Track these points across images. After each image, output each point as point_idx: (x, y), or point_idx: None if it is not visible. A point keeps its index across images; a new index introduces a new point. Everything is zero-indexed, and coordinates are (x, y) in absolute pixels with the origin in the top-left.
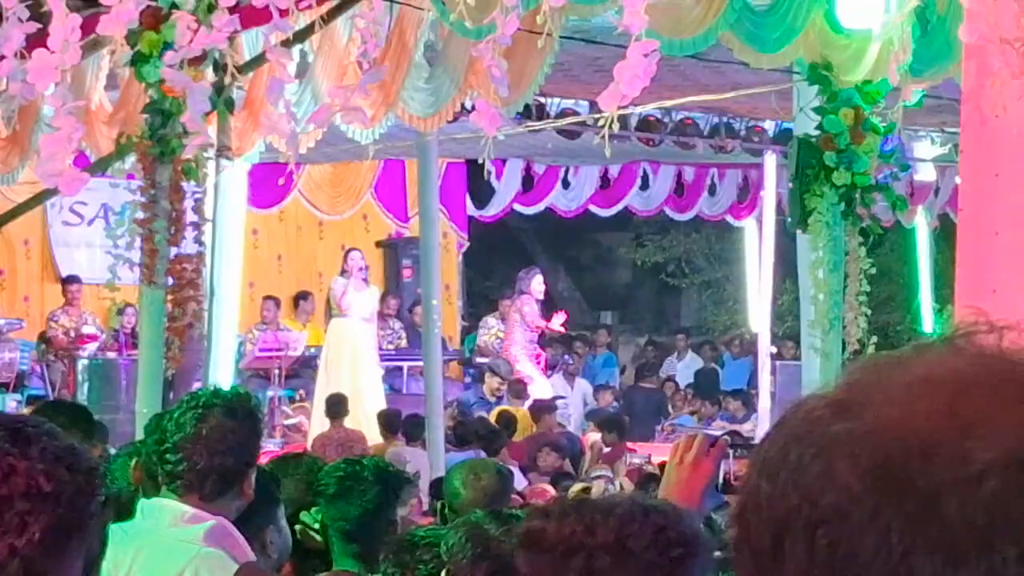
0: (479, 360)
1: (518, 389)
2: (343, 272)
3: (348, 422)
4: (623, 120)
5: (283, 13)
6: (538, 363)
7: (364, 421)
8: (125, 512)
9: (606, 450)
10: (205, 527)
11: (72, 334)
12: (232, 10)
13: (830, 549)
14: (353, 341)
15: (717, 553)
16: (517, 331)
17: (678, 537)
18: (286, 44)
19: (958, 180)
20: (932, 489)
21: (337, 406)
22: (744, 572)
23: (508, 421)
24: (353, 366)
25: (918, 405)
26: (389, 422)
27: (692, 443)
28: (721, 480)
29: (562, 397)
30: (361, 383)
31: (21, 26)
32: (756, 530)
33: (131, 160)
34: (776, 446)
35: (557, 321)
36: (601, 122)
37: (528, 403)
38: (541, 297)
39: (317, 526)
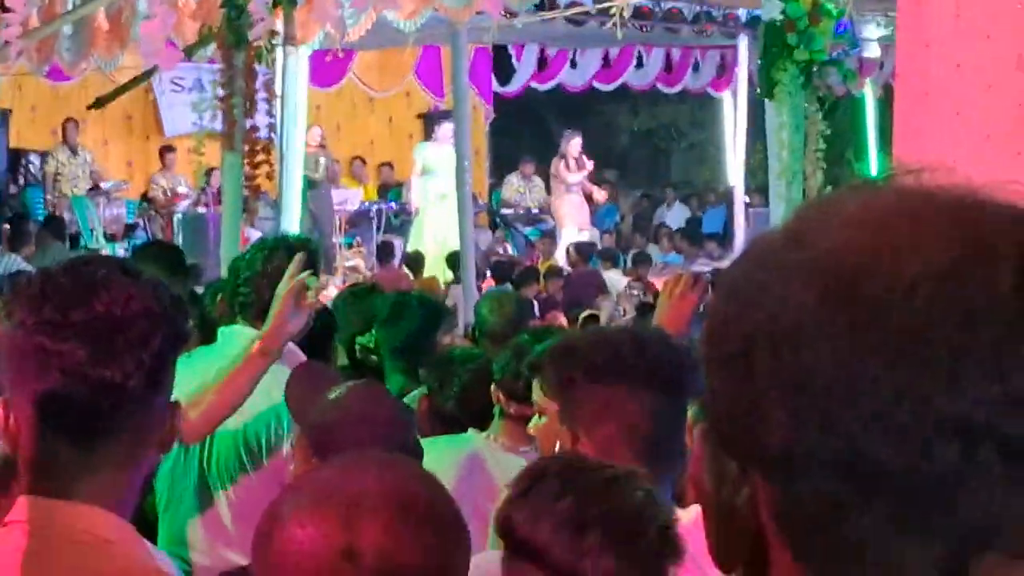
0: (503, 211)
1: (548, 241)
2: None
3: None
4: (622, 9)
5: None
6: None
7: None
8: (212, 337)
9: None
10: None
11: (168, 193)
12: None
13: (792, 356)
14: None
15: None
16: (559, 189)
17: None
18: None
19: None
20: (872, 301)
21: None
22: (715, 383)
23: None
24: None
25: (856, 233)
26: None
27: (680, 280)
28: (703, 310)
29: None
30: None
31: None
32: (725, 347)
33: (212, 46)
34: (739, 274)
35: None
36: (612, 11)
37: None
38: (576, 155)
39: (372, 346)
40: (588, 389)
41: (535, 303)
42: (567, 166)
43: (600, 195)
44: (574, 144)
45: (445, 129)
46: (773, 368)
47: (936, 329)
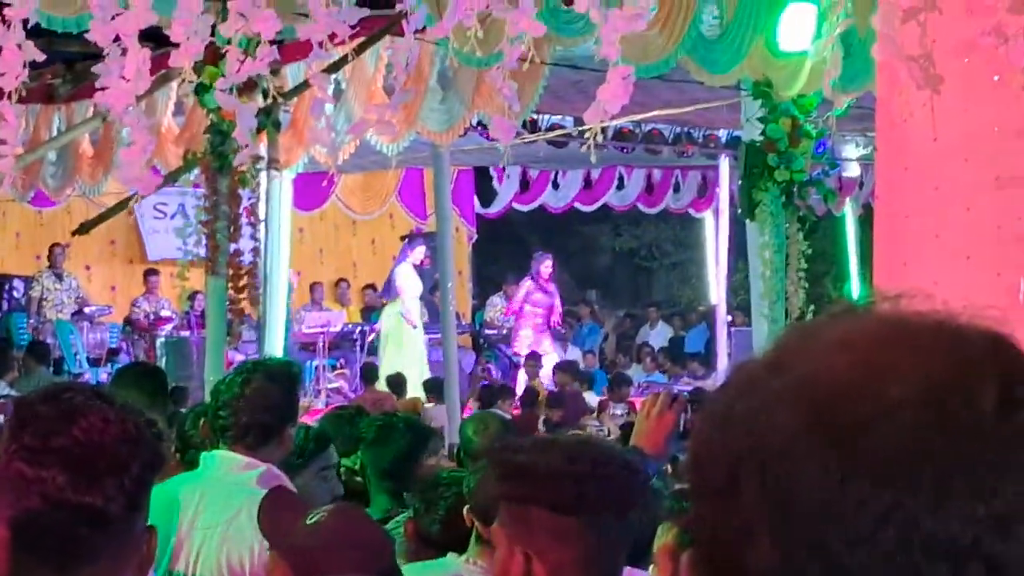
0: (486, 332)
1: (534, 364)
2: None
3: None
4: (603, 131)
5: (320, 45)
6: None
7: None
8: (194, 461)
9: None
10: (257, 472)
11: (151, 317)
12: (274, 43)
13: (778, 483)
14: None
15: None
16: (527, 310)
17: (638, 466)
18: (325, 72)
19: None
20: (857, 424)
21: (392, 380)
22: (701, 511)
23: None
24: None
25: (838, 359)
26: (398, 385)
27: (657, 399)
28: (682, 429)
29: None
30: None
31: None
32: (711, 474)
33: (196, 172)
34: (724, 401)
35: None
36: (587, 134)
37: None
38: (547, 275)
39: (357, 468)
40: (546, 518)
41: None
42: (538, 287)
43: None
44: (545, 266)
45: (417, 252)
46: (760, 492)
47: (921, 450)
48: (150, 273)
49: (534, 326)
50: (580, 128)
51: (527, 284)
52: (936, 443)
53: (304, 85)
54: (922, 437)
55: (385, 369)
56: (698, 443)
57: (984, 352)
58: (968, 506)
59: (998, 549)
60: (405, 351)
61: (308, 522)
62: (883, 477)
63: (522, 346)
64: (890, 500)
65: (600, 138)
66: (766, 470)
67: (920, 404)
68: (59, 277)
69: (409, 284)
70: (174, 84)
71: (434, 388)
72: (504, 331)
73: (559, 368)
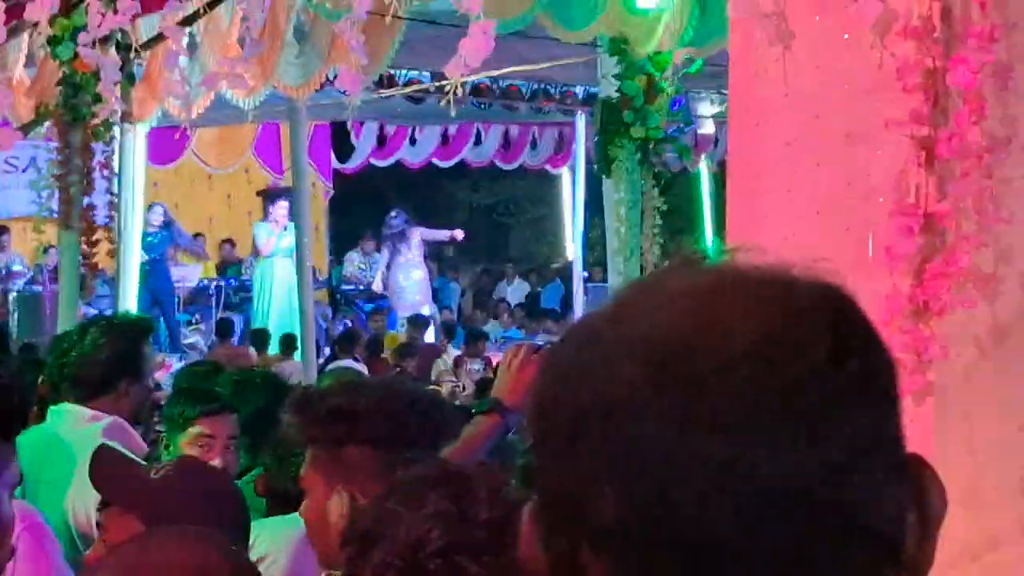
0: (344, 287)
1: (380, 316)
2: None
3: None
4: (461, 86)
5: None
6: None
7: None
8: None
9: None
10: (103, 424)
11: (3, 271)
12: None
13: (619, 434)
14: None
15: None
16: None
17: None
18: (180, 25)
19: None
20: (696, 376)
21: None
22: (543, 462)
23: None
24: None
25: (678, 311)
26: (260, 340)
27: (519, 351)
28: None
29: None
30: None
31: None
32: (553, 426)
33: (47, 125)
34: (565, 354)
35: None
36: (447, 88)
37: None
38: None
39: None
40: (368, 456)
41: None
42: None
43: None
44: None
45: (280, 208)
46: (602, 445)
47: (756, 401)
48: (1, 230)
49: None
50: (438, 84)
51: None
52: (771, 393)
53: (159, 38)
54: (758, 388)
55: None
56: (540, 394)
57: (817, 302)
58: (803, 454)
59: (833, 496)
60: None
61: (154, 476)
62: (722, 428)
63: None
64: (729, 451)
65: (459, 92)
66: (608, 422)
67: (755, 356)
68: None
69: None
70: (25, 35)
71: (289, 343)
72: (361, 287)
73: (409, 321)
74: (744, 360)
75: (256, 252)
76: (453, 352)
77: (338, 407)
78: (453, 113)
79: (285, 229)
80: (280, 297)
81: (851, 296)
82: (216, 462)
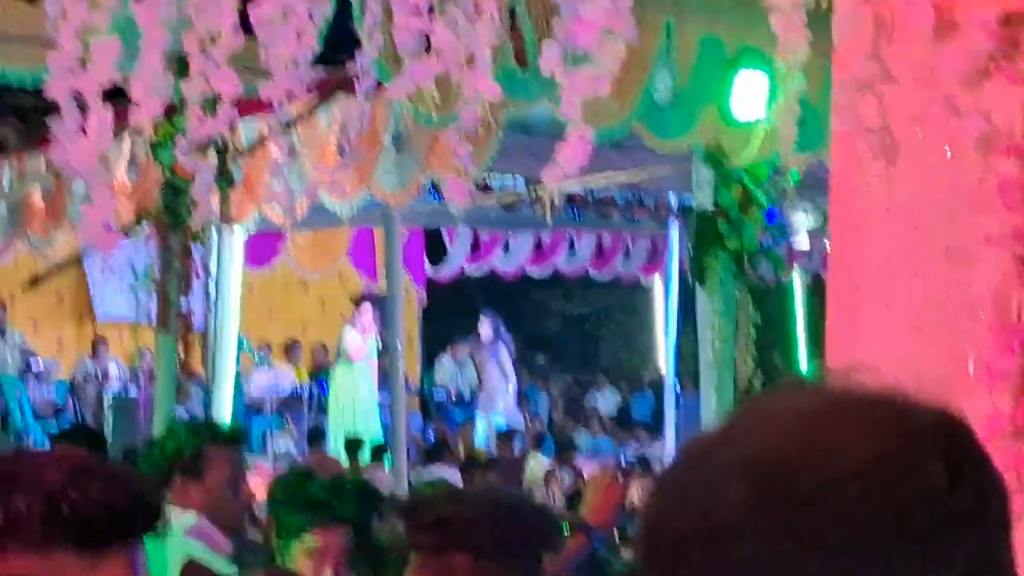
0: (435, 394)
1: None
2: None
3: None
4: (555, 195)
5: (279, 104)
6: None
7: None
8: None
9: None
10: (186, 523)
11: (99, 375)
12: (233, 103)
13: (725, 556)
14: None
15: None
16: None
17: (541, 523)
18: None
19: (827, 245)
20: (802, 498)
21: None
22: None
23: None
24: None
25: (785, 434)
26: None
27: (606, 474)
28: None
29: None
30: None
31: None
32: (659, 545)
33: (147, 227)
34: (674, 474)
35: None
36: (542, 196)
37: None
38: (488, 338)
39: None
40: (469, 565)
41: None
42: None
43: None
44: (485, 327)
45: (366, 313)
46: (706, 563)
47: (867, 524)
48: (98, 333)
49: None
50: (533, 192)
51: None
52: (882, 517)
53: (259, 141)
54: (868, 510)
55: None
56: (649, 513)
57: (931, 428)
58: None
59: None
60: (356, 413)
61: None
62: (829, 551)
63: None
64: (838, 571)
65: (552, 199)
66: (710, 545)
67: (867, 477)
68: (1, 332)
69: (354, 347)
70: (127, 138)
71: (378, 451)
72: (452, 394)
73: (499, 435)
74: (854, 480)
75: (342, 356)
76: (543, 461)
77: (444, 515)
78: (549, 221)
79: (374, 335)
80: (362, 402)
81: (964, 420)
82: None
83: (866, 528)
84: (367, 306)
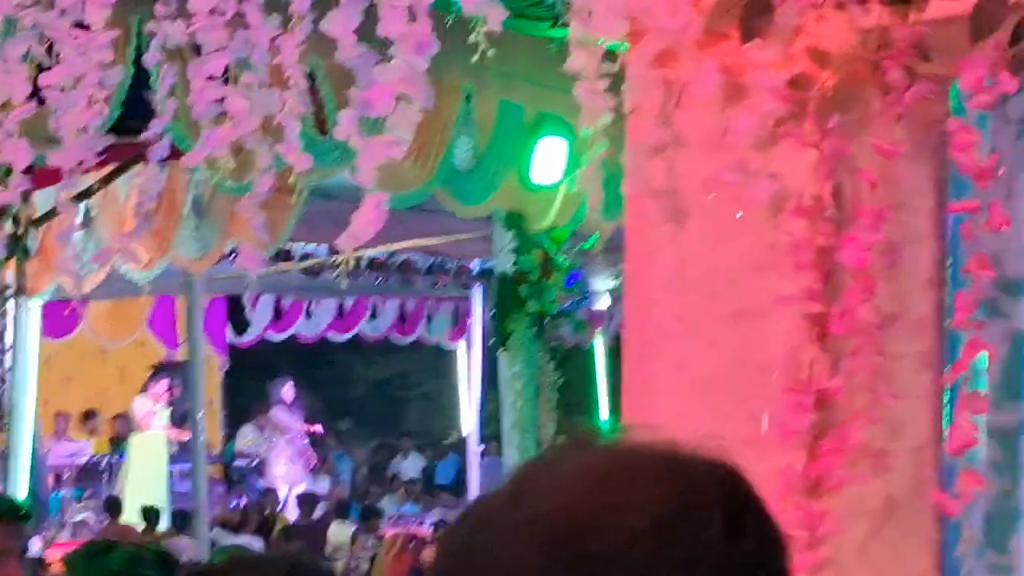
0: (237, 463)
1: (272, 498)
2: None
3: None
4: (356, 260)
5: (69, 174)
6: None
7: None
8: None
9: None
10: None
11: None
12: (26, 172)
13: None
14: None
15: None
16: (275, 438)
17: None
18: (73, 200)
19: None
20: (594, 556)
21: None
22: None
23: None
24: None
25: (572, 492)
26: (152, 517)
27: (396, 540)
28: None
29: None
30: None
31: None
32: None
33: None
34: (463, 534)
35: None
36: (339, 261)
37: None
38: (290, 400)
39: None
40: None
41: None
42: (286, 413)
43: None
44: (287, 390)
45: (162, 384)
46: None
47: None
48: None
49: (284, 453)
50: (334, 258)
51: (282, 412)
52: (667, 572)
53: (52, 213)
54: (656, 568)
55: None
56: (435, 574)
57: (709, 482)
58: None
59: None
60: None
61: None
62: None
63: (273, 476)
64: None
65: (353, 265)
66: None
67: (651, 534)
68: None
69: (144, 416)
70: None
71: (184, 520)
72: (255, 461)
73: (299, 500)
74: (638, 540)
75: (133, 426)
76: (348, 527)
77: None
78: (345, 286)
79: (168, 404)
80: (156, 470)
81: (743, 474)
82: None
83: None
84: (161, 377)
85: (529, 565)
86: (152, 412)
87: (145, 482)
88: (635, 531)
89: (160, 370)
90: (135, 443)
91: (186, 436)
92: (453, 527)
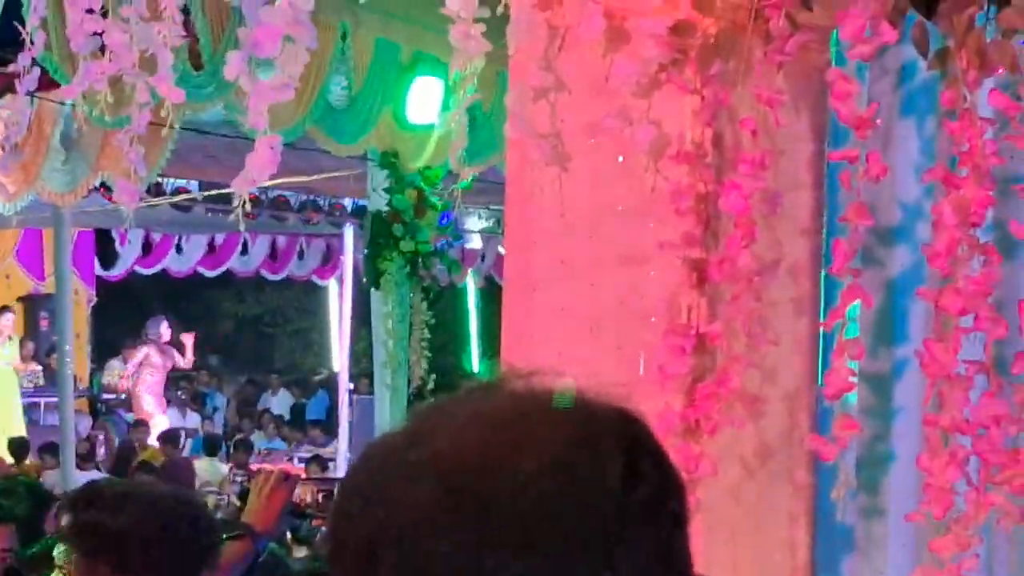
0: (105, 396)
1: (143, 430)
2: None
3: None
4: (227, 197)
5: None
6: (161, 404)
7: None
8: None
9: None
10: None
11: None
12: None
13: (415, 556)
14: None
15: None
16: (145, 374)
17: (199, 529)
18: None
19: (501, 249)
20: (490, 496)
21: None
22: None
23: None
24: None
25: (473, 434)
26: (20, 449)
27: (270, 477)
28: (293, 505)
29: (181, 427)
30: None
31: None
32: (350, 546)
33: None
34: (361, 474)
35: (185, 359)
36: (234, 202)
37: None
38: (167, 339)
39: None
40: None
41: None
42: (160, 351)
43: (187, 360)
44: (164, 328)
45: (6, 319)
46: (399, 562)
47: (550, 522)
48: None
49: (154, 391)
50: (206, 193)
51: (145, 348)
52: (564, 515)
53: None
54: (551, 510)
55: None
56: (336, 515)
57: (610, 426)
58: (592, 573)
59: None
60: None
61: None
62: (515, 548)
63: (142, 411)
64: (521, 568)
65: (248, 207)
66: (403, 543)
67: (549, 476)
68: None
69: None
70: None
71: (49, 452)
72: (123, 395)
73: (161, 439)
74: (539, 480)
75: None
76: (218, 463)
77: (90, 522)
78: (242, 228)
79: (10, 339)
80: (5, 405)
81: (642, 419)
82: None
83: (547, 527)
84: (6, 311)
85: (425, 505)
86: None
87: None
88: (531, 473)
89: (31, 301)
90: None
91: (34, 368)
92: (352, 467)
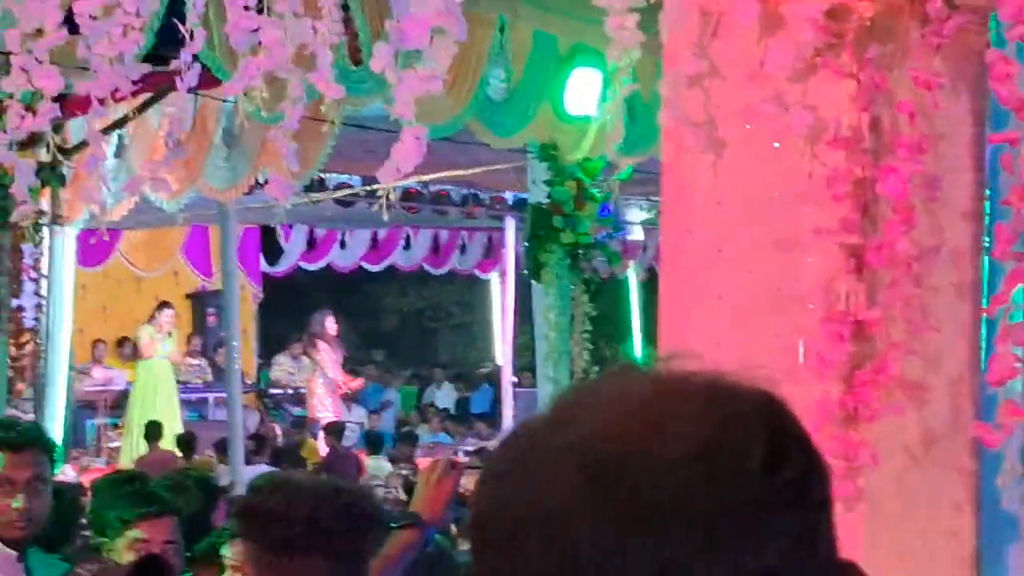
0: (272, 391)
1: (312, 425)
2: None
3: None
4: (391, 191)
5: (101, 103)
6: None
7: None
8: None
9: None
10: None
11: None
12: (56, 100)
13: (559, 539)
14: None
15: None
16: (320, 371)
17: (361, 513)
18: (107, 130)
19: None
20: (633, 480)
21: (156, 431)
22: (484, 567)
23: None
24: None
25: (614, 417)
26: (188, 443)
27: (436, 466)
28: (461, 494)
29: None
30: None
31: None
32: (493, 529)
33: None
34: (504, 459)
35: (355, 384)
36: (379, 193)
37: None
38: (334, 333)
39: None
40: (261, 554)
41: None
42: (330, 346)
43: (355, 384)
44: (330, 323)
45: (165, 314)
46: (542, 547)
47: (692, 505)
48: None
49: (328, 387)
50: (368, 188)
51: (323, 345)
52: (706, 499)
53: (85, 143)
54: (693, 493)
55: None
56: (480, 499)
57: (752, 409)
58: (737, 559)
59: None
60: (159, 408)
61: None
62: (657, 531)
63: (315, 408)
64: (665, 553)
65: (391, 197)
66: (547, 526)
67: (692, 461)
68: None
69: (146, 345)
70: None
71: (188, 444)
72: (289, 391)
73: (326, 430)
74: (681, 464)
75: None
76: (384, 457)
77: (246, 504)
78: (386, 218)
79: (169, 335)
80: (165, 398)
81: (785, 403)
82: None
83: (689, 510)
84: (167, 307)
85: (567, 489)
86: (153, 341)
87: (152, 409)
88: (673, 456)
89: (198, 298)
90: (141, 370)
91: (201, 364)
92: (495, 452)
